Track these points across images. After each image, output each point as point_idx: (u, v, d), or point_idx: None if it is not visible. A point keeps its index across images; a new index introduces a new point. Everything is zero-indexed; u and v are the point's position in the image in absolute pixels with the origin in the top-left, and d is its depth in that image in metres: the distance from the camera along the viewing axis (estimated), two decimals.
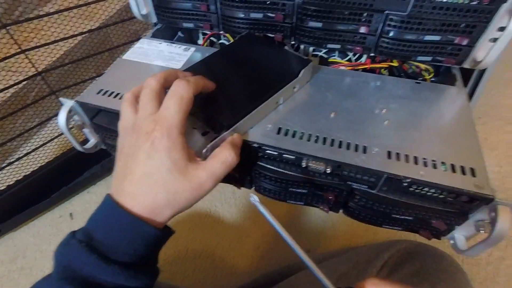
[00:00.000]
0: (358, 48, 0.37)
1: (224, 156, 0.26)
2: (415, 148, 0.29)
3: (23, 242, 0.73)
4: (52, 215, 0.77)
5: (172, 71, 0.29)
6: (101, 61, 0.69)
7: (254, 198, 0.25)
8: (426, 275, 0.40)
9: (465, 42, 0.33)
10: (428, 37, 0.34)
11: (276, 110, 0.33)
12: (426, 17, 0.32)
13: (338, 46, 0.38)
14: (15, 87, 0.60)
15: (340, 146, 0.30)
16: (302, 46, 0.44)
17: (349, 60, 0.43)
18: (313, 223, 0.72)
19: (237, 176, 0.35)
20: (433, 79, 0.40)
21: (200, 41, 0.50)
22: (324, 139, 0.30)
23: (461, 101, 0.35)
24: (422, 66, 0.40)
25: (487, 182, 0.27)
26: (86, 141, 0.41)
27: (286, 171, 0.31)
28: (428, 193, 0.28)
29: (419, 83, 0.37)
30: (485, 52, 0.33)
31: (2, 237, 0.73)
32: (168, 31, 0.49)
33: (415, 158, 0.29)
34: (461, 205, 0.28)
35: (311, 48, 0.44)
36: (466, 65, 0.35)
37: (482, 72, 0.41)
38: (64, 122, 0.35)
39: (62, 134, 0.39)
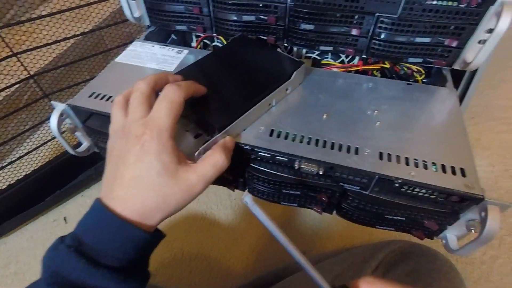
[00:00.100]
0: (350, 50, 0.38)
1: (214, 159, 0.26)
2: (406, 149, 0.30)
3: (16, 247, 0.72)
4: (46, 219, 0.76)
5: (163, 74, 0.29)
6: (95, 64, 0.68)
7: (247, 198, 0.24)
8: (420, 275, 0.40)
9: (454, 43, 0.33)
10: (419, 39, 0.34)
11: (268, 112, 0.33)
12: (416, 19, 0.33)
13: (330, 48, 0.38)
14: (7, 90, 0.59)
15: (332, 147, 0.30)
16: (295, 48, 0.44)
17: (342, 62, 0.44)
18: (308, 224, 0.72)
19: (230, 179, 0.35)
20: (424, 80, 0.41)
21: (194, 44, 0.50)
22: (317, 141, 0.30)
23: (452, 102, 0.35)
24: (414, 67, 0.40)
25: (477, 182, 0.27)
26: (79, 144, 0.41)
27: (279, 173, 0.31)
28: (420, 194, 0.29)
29: (410, 84, 0.37)
30: (474, 53, 0.33)
31: None
32: (162, 33, 0.49)
33: (406, 159, 0.29)
34: (452, 205, 0.28)
35: (304, 50, 0.44)
36: (457, 66, 0.36)
37: (473, 73, 0.41)
38: (55, 126, 0.35)
39: (55, 137, 0.38)
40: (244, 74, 0.35)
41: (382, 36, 0.35)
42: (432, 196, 0.28)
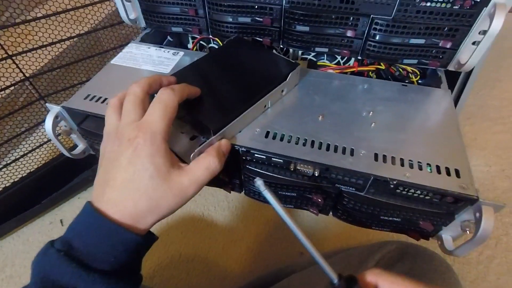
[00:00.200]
0: (345, 51, 0.38)
1: (207, 163, 0.26)
2: (401, 150, 0.30)
3: (12, 250, 0.72)
4: (42, 222, 0.76)
5: (157, 77, 0.29)
6: (91, 66, 0.68)
7: (259, 182, 0.26)
8: (416, 275, 0.40)
9: (448, 45, 0.33)
10: (413, 41, 0.34)
11: (264, 114, 0.33)
12: (410, 20, 0.33)
13: (325, 50, 0.39)
14: (2, 92, 0.59)
15: (328, 149, 0.30)
16: (291, 50, 0.44)
17: (338, 63, 0.44)
18: (305, 225, 0.72)
19: (226, 180, 0.35)
20: (420, 81, 0.41)
21: (190, 45, 0.50)
22: (312, 142, 0.30)
23: (446, 103, 0.35)
24: (409, 68, 0.41)
25: (471, 183, 0.27)
26: (74, 146, 0.41)
27: (274, 175, 0.31)
28: (415, 195, 0.29)
29: (405, 85, 0.37)
30: (468, 54, 0.33)
31: None
32: (158, 35, 0.49)
33: (401, 160, 0.29)
34: (447, 206, 0.28)
35: (300, 52, 0.44)
36: (451, 67, 0.36)
37: (468, 74, 0.42)
38: (50, 128, 0.35)
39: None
40: (240, 76, 0.35)
41: (377, 37, 0.35)
42: (427, 197, 0.28)
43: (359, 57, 0.38)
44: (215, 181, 0.35)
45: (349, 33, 0.36)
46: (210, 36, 0.44)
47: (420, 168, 0.28)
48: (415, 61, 0.36)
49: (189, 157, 0.28)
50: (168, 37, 0.50)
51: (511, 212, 0.71)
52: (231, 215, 0.76)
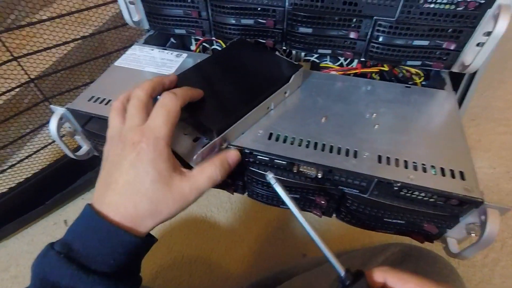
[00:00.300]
0: (348, 53, 0.38)
1: (210, 171, 0.26)
2: (405, 152, 0.30)
3: (16, 250, 0.72)
4: (46, 223, 0.76)
5: (159, 79, 0.29)
6: (95, 67, 0.68)
7: (270, 175, 0.26)
8: None
9: (452, 46, 0.33)
10: (417, 42, 0.34)
11: (267, 116, 0.33)
12: (414, 22, 0.33)
13: (328, 51, 0.38)
14: (7, 94, 0.60)
15: (331, 151, 0.30)
16: (294, 51, 0.44)
17: (341, 65, 0.44)
18: None
19: (229, 182, 0.35)
20: (423, 83, 0.41)
21: (193, 47, 0.50)
22: (315, 144, 0.30)
23: (450, 105, 0.35)
24: (413, 70, 0.40)
25: (476, 185, 0.27)
26: (78, 148, 0.41)
27: (278, 177, 0.31)
28: (419, 197, 0.28)
29: (409, 87, 0.37)
30: (472, 56, 0.33)
31: None
32: (161, 37, 0.49)
33: (405, 162, 0.29)
34: (451, 208, 0.28)
35: (303, 53, 0.44)
36: (455, 69, 0.36)
37: (472, 75, 0.41)
38: (55, 130, 0.35)
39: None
40: (243, 78, 0.35)
41: (380, 39, 0.35)
42: (431, 200, 0.28)
43: (362, 59, 0.38)
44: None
45: (352, 35, 0.36)
46: (213, 38, 0.44)
47: (424, 170, 0.28)
48: (418, 63, 0.36)
49: (192, 159, 0.28)
50: (171, 39, 0.50)
51: None
52: (233, 216, 0.75)
